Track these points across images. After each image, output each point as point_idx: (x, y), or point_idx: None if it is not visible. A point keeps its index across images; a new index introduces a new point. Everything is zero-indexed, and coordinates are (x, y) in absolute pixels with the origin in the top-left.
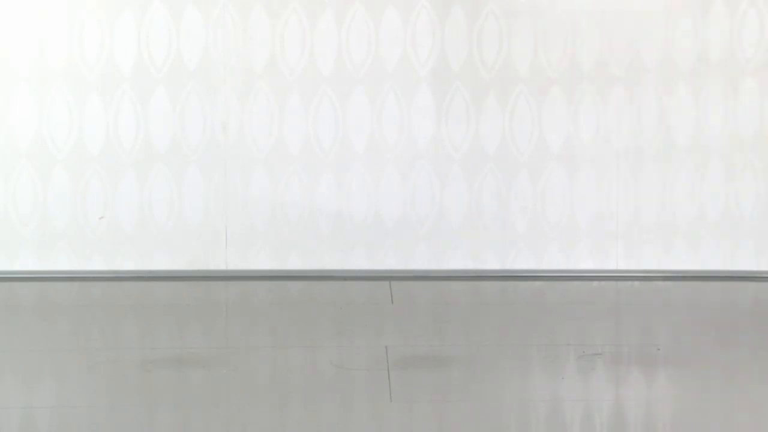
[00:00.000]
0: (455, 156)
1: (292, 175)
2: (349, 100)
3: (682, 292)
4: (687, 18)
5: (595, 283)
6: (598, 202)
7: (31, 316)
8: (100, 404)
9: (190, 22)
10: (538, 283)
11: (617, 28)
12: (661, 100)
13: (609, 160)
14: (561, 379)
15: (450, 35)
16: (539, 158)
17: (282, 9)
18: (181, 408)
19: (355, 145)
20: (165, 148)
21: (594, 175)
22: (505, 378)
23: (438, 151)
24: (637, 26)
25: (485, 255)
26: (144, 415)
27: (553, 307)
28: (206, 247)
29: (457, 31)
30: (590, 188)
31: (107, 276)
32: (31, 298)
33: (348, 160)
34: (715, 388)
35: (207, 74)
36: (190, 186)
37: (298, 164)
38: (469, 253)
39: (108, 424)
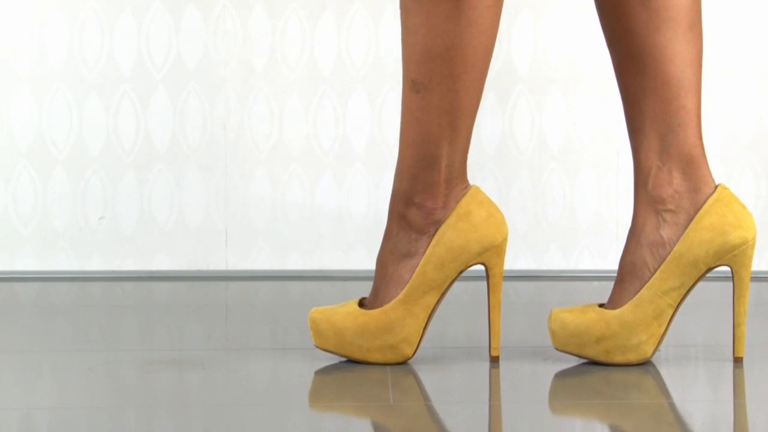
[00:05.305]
0: None
1: (292, 175)
2: (349, 100)
3: None
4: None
5: (595, 283)
6: (598, 202)
7: (30, 316)
8: (101, 405)
9: (190, 22)
10: (537, 283)
11: None
12: None
13: (609, 160)
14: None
15: None
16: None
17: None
18: (180, 409)
19: (355, 146)
20: (165, 147)
21: (594, 175)
22: (506, 380)
23: None
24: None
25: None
26: (144, 416)
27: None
28: (206, 247)
29: None
30: (590, 188)
31: (107, 276)
32: (31, 298)
33: (348, 160)
34: None
35: (207, 74)
36: (190, 186)
37: (297, 164)
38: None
39: (108, 426)
